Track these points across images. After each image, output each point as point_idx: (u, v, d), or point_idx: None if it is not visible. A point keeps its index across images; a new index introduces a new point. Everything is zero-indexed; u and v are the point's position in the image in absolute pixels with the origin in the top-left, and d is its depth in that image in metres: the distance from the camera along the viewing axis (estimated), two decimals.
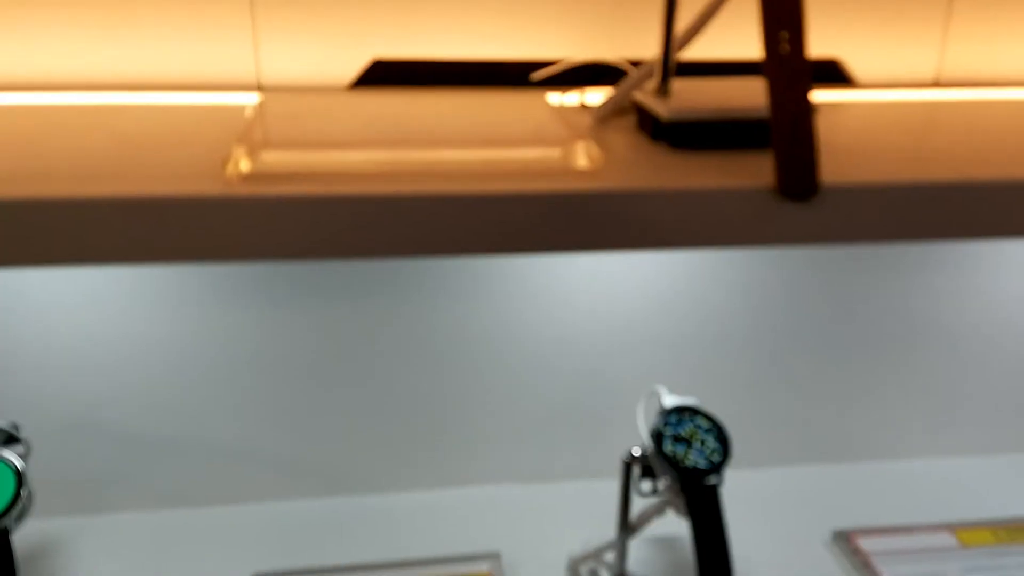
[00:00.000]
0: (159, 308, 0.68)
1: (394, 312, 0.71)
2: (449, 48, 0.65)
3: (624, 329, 0.75)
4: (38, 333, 0.68)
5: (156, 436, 0.72)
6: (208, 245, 0.44)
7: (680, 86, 0.54)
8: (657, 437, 0.58)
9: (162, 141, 0.52)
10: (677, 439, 0.58)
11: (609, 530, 0.65)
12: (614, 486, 0.63)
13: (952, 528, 0.73)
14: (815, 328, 0.77)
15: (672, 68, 0.53)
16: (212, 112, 0.59)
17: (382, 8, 0.64)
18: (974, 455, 0.84)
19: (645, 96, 0.55)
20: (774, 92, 0.44)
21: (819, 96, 0.45)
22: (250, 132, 0.49)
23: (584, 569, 0.68)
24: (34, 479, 0.56)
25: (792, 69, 0.44)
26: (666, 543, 0.71)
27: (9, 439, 0.59)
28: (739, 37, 0.58)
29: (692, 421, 0.59)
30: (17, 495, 0.55)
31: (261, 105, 0.57)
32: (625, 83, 0.57)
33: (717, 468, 0.57)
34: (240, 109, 0.58)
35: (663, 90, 0.54)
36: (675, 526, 0.59)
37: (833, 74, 0.70)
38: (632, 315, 0.74)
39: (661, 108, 0.52)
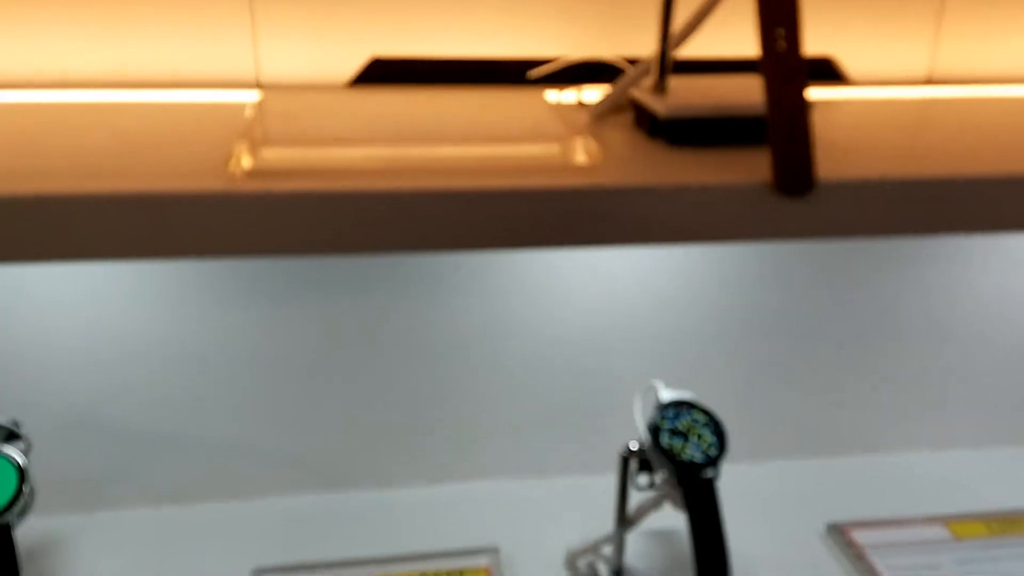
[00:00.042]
0: (159, 305, 0.69)
1: (393, 308, 0.71)
2: (447, 46, 0.65)
3: (622, 324, 0.75)
4: (39, 330, 0.68)
5: (156, 432, 0.72)
6: (211, 241, 0.44)
7: (677, 83, 0.54)
8: (654, 431, 0.58)
9: (162, 138, 0.52)
10: (674, 433, 0.58)
11: (607, 524, 0.66)
12: (611, 480, 0.63)
13: (945, 520, 0.74)
14: (810, 323, 0.78)
15: (669, 65, 0.54)
16: (212, 110, 0.59)
17: (381, 6, 0.64)
18: (967, 448, 0.84)
19: (642, 93, 0.55)
20: (770, 89, 0.45)
21: (813, 94, 0.46)
22: (251, 129, 0.50)
23: (582, 563, 0.68)
24: (35, 476, 0.56)
25: (788, 66, 0.44)
26: (663, 536, 0.71)
27: (10, 436, 0.58)
28: (735, 34, 0.58)
29: (689, 415, 0.59)
30: (19, 491, 0.55)
31: (261, 103, 0.57)
32: (622, 80, 0.58)
33: (714, 462, 0.57)
34: (240, 107, 0.58)
35: (660, 87, 0.54)
36: (672, 519, 0.59)
37: (826, 72, 0.70)
38: (630, 310, 0.75)
39: (658, 105, 0.52)
